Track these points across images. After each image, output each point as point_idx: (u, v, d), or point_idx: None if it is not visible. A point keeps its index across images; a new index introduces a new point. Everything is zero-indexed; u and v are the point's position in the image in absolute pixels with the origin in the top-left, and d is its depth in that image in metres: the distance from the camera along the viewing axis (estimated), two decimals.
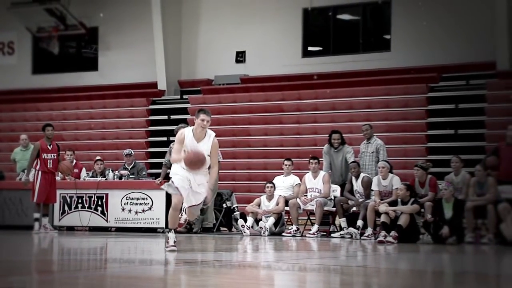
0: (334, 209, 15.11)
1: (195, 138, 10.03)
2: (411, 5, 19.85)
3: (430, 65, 19.30)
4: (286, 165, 15.90)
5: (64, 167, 15.64)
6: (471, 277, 8.50)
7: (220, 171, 16.28)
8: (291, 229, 15.19)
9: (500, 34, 18.42)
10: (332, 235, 14.93)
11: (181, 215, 14.88)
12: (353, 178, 14.95)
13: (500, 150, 14.45)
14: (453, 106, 18.46)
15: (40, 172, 15.40)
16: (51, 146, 15.57)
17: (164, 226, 15.79)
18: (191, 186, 10.09)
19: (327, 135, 15.75)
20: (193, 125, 10.19)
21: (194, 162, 9.84)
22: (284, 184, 15.74)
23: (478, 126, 17.89)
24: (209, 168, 10.19)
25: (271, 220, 15.24)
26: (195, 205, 10.33)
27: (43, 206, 15.66)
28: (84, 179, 16.96)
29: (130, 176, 16.59)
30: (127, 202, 16.06)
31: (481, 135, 17.62)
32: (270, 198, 15.47)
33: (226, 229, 16.34)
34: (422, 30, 19.62)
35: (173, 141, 16.23)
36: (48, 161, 15.47)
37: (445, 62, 19.21)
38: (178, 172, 10.14)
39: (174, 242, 10.21)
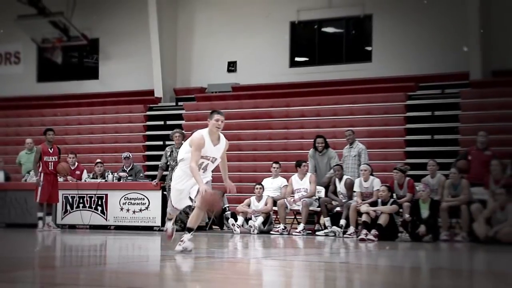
0: (319, 209, 15.12)
1: (211, 142, 9.43)
2: (390, 20, 19.89)
3: (408, 75, 19.34)
4: (274, 167, 15.93)
5: (61, 167, 15.64)
6: (445, 273, 8.51)
7: (212, 173, 16.26)
8: (278, 227, 15.18)
9: (473, 47, 18.47)
10: (317, 233, 14.93)
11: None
12: (337, 180, 14.96)
13: (471, 154, 14.51)
14: (429, 113, 18.50)
15: (42, 174, 15.39)
16: (52, 149, 15.56)
17: (159, 224, 15.77)
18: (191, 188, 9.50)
19: (313, 140, 15.78)
20: (205, 128, 9.54)
21: (211, 204, 9.46)
22: (272, 185, 15.75)
23: (452, 132, 17.94)
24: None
25: (260, 219, 15.24)
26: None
27: (46, 206, 15.64)
28: (85, 181, 16.93)
29: (128, 177, 16.57)
30: (126, 202, 16.04)
31: (455, 140, 17.66)
32: (259, 198, 15.47)
33: (218, 227, 16.32)
34: (400, 43, 19.66)
35: (169, 145, 16.29)
36: (50, 163, 15.46)
37: (422, 72, 19.26)
38: (178, 183, 9.59)
39: (173, 229, 10.00)
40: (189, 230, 9.46)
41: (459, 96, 18.43)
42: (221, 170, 9.89)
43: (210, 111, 20.51)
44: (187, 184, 9.51)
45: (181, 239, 9.42)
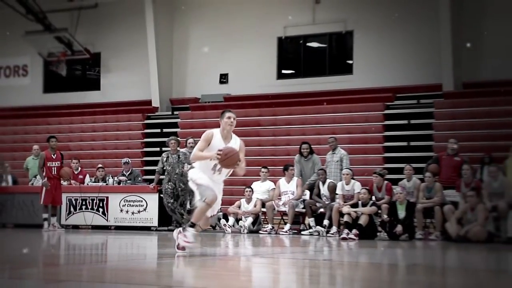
0: (304, 210, 15.13)
1: (223, 140, 8.67)
2: (370, 35, 19.95)
3: (386, 86, 19.40)
4: (263, 172, 15.93)
5: (63, 172, 15.62)
6: (420, 269, 8.53)
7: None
8: (267, 227, 15.18)
9: (445, 61, 18.57)
10: (302, 232, 14.93)
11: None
12: (320, 183, 14.98)
13: (442, 160, 14.58)
14: (406, 122, 18.56)
15: (45, 178, 15.35)
16: (55, 155, 15.52)
17: (156, 224, 15.74)
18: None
19: (299, 146, 15.80)
20: (218, 127, 8.86)
21: (230, 158, 8.40)
22: (261, 188, 15.75)
23: (427, 139, 18.00)
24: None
25: (250, 219, 15.23)
26: (213, 215, 8.97)
27: (51, 207, 15.59)
28: (87, 184, 16.89)
29: (128, 181, 16.54)
30: (125, 204, 16.01)
31: (429, 146, 17.72)
32: (249, 201, 15.47)
33: (210, 227, 16.28)
34: (379, 57, 19.73)
35: (165, 151, 16.27)
36: (53, 168, 15.43)
37: (399, 84, 19.32)
38: (202, 176, 8.62)
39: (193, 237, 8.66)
40: (193, 225, 8.65)
41: (433, 106, 18.51)
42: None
43: (203, 119, 20.39)
44: (211, 183, 8.56)
45: (184, 234, 8.66)
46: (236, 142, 8.73)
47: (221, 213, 15.80)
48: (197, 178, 8.61)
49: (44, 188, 15.32)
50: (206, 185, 8.54)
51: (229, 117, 8.73)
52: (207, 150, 8.62)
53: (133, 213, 15.90)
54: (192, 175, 8.70)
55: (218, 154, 8.42)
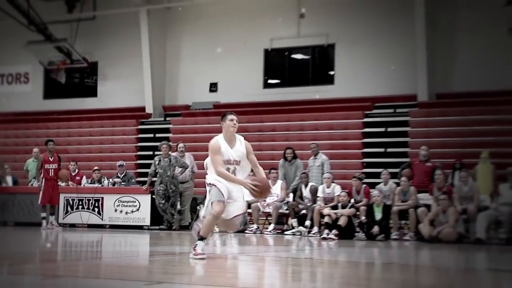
0: (287, 211, 15.14)
1: (228, 144, 8.16)
2: (351, 48, 20.01)
3: (365, 96, 19.46)
4: (249, 175, 15.87)
5: (61, 174, 15.56)
6: (395, 266, 8.57)
7: (195, 179, 16.22)
8: (252, 227, 15.17)
9: (420, 73, 18.66)
10: (285, 232, 14.93)
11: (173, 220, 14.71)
12: (303, 186, 15.00)
13: (414, 165, 14.65)
14: (383, 130, 18.62)
15: (43, 179, 15.30)
16: (53, 157, 15.47)
17: (149, 224, 15.69)
18: (232, 196, 8.18)
19: (283, 151, 15.81)
20: (221, 133, 8.36)
21: (264, 190, 8.19)
22: (247, 190, 15.69)
23: (403, 146, 18.07)
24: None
25: None
26: (237, 215, 8.29)
27: (49, 207, 15.53)
28: (84, 185, 16.83)
29: (122, 183, 16.50)
30: (119, 204, 15.96)
31: (405, 153, 17.78)
32: None
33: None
34: (359, 68, 19.80)
35: (158, 154, 16.22)
36: (50, 170, 15.38)
37: (377, 94, 19.39)
38: (219, 180, 8.14)
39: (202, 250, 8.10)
40: (202, 238, 8.13)
41: (408, 115, 18.58)
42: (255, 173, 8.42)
43: (193, 125, 20.25)
44: (230, 189, 8.18)
45: (194, 247, 8.14)
46: (241, 143, 8.23)
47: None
48: (213, 180, 8.08)
49: (42, 189, 15.23)
50: (219, 189, 8.02)
51: (231, 119, 8.22)
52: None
53: (126, 213, 15.86)
54: (209, 179, 8.14)
55: (254, 192, 8.11)
